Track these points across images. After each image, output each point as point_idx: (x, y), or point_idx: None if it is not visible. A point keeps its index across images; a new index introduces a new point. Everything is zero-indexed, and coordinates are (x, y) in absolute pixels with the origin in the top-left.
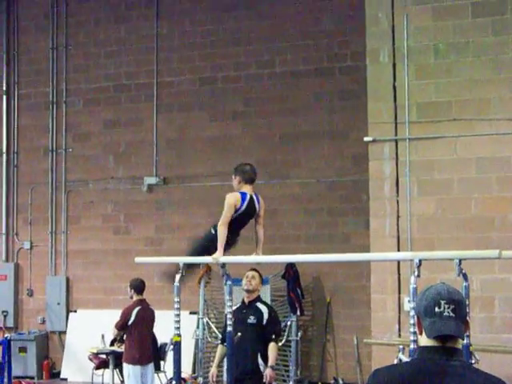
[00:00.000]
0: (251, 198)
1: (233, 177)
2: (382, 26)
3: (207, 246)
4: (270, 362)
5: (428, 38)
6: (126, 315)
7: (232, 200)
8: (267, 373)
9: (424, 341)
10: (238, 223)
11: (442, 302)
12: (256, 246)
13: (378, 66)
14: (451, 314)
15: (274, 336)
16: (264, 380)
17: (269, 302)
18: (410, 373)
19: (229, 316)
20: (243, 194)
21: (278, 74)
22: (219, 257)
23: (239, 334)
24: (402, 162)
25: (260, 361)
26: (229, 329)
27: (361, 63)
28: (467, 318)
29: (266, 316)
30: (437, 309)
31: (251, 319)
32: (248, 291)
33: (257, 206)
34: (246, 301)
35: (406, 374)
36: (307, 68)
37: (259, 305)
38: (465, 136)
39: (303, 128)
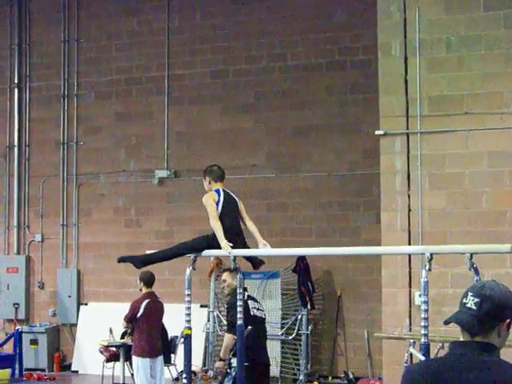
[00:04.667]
0: (224, 191)
1: (203, 180)
2: (393, 19)
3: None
4: (221, 352)
5: (440, 31)
6: (134, 308)
7: (208, 198)
8: (215, 364)
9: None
10: (229, 216)
11: (469, 294)
12: (256, 239)
13: (390, 60)
14: (473, 306)
15: (226, 327)
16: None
17: (279, 296)
18: (439, 369)
19: (239, 309)
20: (216, 190)
21: (290, 68)
22: (227, 246)
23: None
24: (414, 155)
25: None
26: (239, 322)
27: (372, 57)
28: (506, 318)
29: (225, 306)
30: (464, 300)
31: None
32: (227, 295)
33: (234, 196)
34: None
35: (435, 370)
36: (319, 61)
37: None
38: (476, 130)
39: (314, 121)
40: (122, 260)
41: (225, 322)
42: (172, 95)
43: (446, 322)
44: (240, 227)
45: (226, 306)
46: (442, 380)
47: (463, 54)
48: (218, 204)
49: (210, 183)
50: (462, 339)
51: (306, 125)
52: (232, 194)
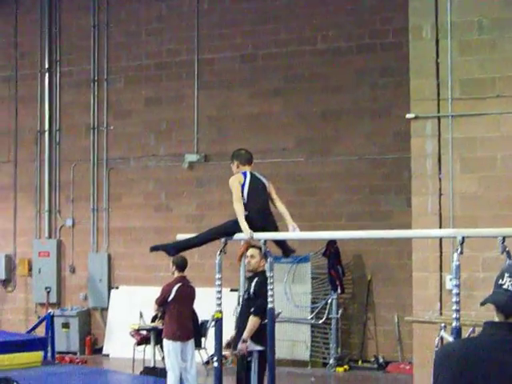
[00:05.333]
0: (252, 173)
1: (231, 164)
2: (424, 1)
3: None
4: (244, 334)
5: (472, 13)
6: (166, 291)
7: (234, 181)
8: (238, 345)
9: (495, 315)
10: (256, 198)
11: (506, 275)
12: (286, 221)
13: (421, 42)
14: (510, 288)
15: (252, 309)
16: (235, 352)
17: (309, 280)
18: (474, 348)
19: (270, 293)
20: (243, 172)
21: (320, 51)
22: (247, 231)
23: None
24: (445, 139)
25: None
26: (270, 305)
27: (403, 39)
28: None
29: (251, 290)
30: (500, 281)
31: (246, 295)
32: (248, 270)
33: (263, 179)
34: (247, 276)
35: (471, 349)
36: (349, 45)
37: (254, 280)
38: (508, 113)
39: (345, 105)
40: (154, 249)
41: None
42: (202, 79)
43: (483, 303)
44: (269, 209)
45: (252, 289)
46: (476, 359)
47: (495, 37)
48: (243, 186)
49: (237, 167)
50: (496, 320)
51: (336, 108)
52: (260, 177)
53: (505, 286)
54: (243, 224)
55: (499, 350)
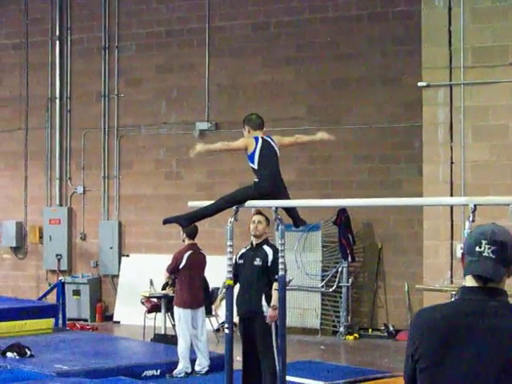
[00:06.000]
0: (263, 138)
1: (243, 130)
2: None
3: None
4: (273, 301)
5: None
6: (177, 259)
7: (242, 140)
8: (269, 312)
9: (467, 281)
10: (267, 165)
11: (484, 242)
12: (309, 137)
13: (433, 10)
14: (491, 255)
15: (276, 277)
16: (266, 320)
17: (320, 248)
18: (450, 313)
19: (281, 260)
20: (255, 137)
21: (331, 19)
22: (196, 148)
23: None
24: (457, 107)
25: (264, 302)
26: (281, 273)
27: (414, 8)
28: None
29: (270, 257)
30: (477, 248)
31: (257, 261)
32: (255, 236)
33: (274, 144)
34: (254, 243)
35: (447, 314)
36: (360, 13)
37: (265, 247)
38: None
39: (355, 73)
40: (167, 222)
41: None
42: (213, 47)
43: (469, 274)
44: (280, 176)
45: (272, 257)
46: (455, 324)
47: (508, 4)
48: (254, 152)
49: (249, 132)
50: (469, 285)
51: (347, 77)
52: (272, 142)
53: (485, 254)
54: (211, 146)
55: (481, 315)
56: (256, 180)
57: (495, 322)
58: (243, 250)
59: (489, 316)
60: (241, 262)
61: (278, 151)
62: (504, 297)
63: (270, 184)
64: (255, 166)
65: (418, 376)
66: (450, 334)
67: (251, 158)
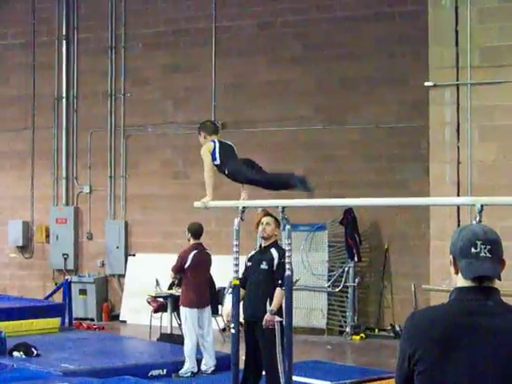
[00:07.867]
0: (220, 141)
1: (199, 137)
2: None
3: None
4: (272, 306)
5: None
6: (182, 258)
7: (204, 150)
8: (265, 317)
9: (460, 282)
10: (231, 158)
11: (479, 243)
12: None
13: (440, 10)
14: (487, 254)
15: (280, 281)
16: (263, 324)
17: (326, 248)
18: (449, 314)
19: (287, 260)
20: (211, 140)
21: (338, 19)
22: (208, 200)
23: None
24: (463, 107)
25: (269, 306)
26: (288, 273)
27: (421, 7)
28: (503, 257)
29: (276, 261)
30: (473, 249)
31: (263, 264)
32: (264, 238)
33: (229, 142)
34: (262, 246)
35: (446, 316)
36: (367, 12)
37: (272, 250)
38: None
39: (362, 73)
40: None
41: None
42: (219, 47)
43: (478, 277)
44: (251, 160)
45: (277, 260)
46: (455, 325)
47: None
48: (215, 150)
49: (205, 138)
50: (463, 285)
51: (354, 76)
52: (227, 142)
53: (482, 254)
54: (209, 189)
55: (478, 314)
56: (226, 172)
57: (495, 322)
58: (252, 253)
59: (488, 316)
60: (249, 264)
61: (234, 147)
62: (498, 295)
63: (246, 165)
64: (218, 162)
65: (416, 378)
66: (450, 335)
67: (213, 156)
